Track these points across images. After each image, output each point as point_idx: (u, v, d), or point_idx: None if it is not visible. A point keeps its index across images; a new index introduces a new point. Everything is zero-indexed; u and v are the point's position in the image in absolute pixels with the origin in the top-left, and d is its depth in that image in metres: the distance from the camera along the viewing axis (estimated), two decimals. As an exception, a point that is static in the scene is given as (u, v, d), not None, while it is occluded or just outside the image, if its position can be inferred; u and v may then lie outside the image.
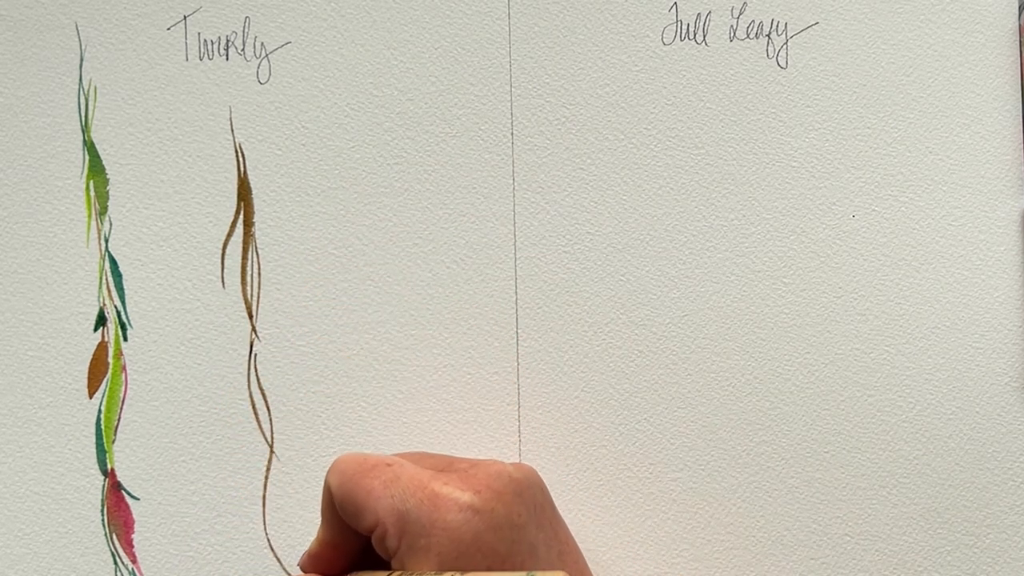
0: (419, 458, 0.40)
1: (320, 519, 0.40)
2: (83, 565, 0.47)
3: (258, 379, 0.47)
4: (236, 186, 0.47)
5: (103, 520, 0.47)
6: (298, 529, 0.46)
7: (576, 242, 0.46)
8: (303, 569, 0.41)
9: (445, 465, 0.39)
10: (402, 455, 0.41)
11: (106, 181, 0.47)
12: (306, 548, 0.46)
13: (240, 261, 0.47)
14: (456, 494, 0.37)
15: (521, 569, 0.36)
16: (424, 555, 0.36)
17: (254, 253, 0.47)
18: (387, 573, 0.37)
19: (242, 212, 0.47)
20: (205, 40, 0.47)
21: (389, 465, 0.38)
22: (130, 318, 0.47)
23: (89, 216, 0.47)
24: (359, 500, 0.37)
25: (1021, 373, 0.45)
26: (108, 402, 0.47)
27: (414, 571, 0.36)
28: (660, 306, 0.46)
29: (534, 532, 0.38)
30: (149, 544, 0.47)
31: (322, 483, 0.46)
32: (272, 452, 0.47)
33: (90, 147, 0.48)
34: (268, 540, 0.47)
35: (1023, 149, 0.46)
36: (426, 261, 0.47)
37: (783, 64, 0.46)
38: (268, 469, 0.47)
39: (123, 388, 0.47)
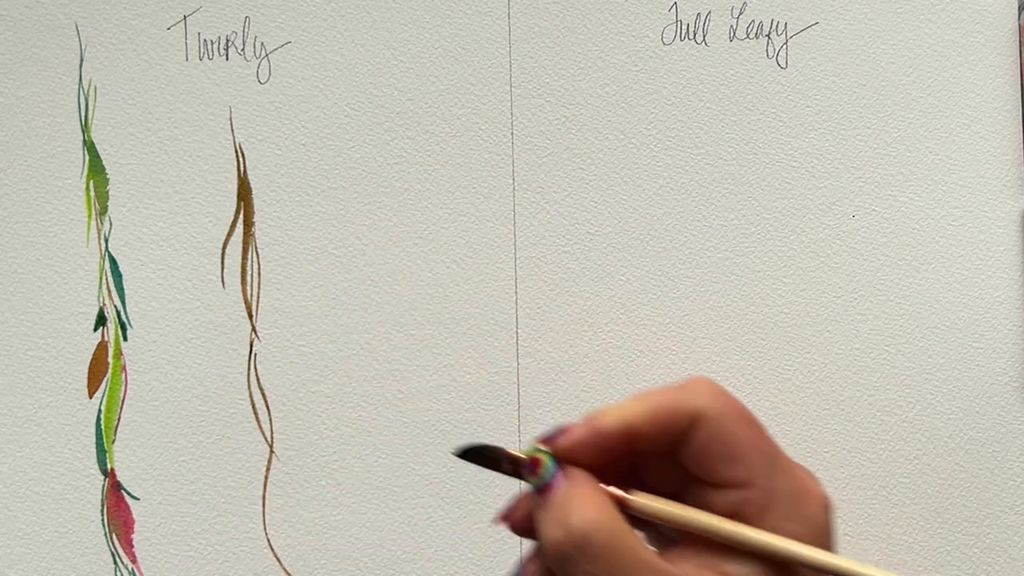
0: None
1: (636, 405, 0.34)
2: (83, 565, 0.47)
3: (258, 379, 0.47)
4: (236, 186, 0.47)
5: (103, 520, 0.47)
6: (298, 529, 0.46)
7: (576, 242, 0.46)
8: (571, 448, 0.34)
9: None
10: None
11: (106, 181, 0.47)
12: (305, 548, 0.46)
13: (240, 261, 0.47)
14: (821, 490, 0.34)
15: None
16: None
17: (254, 253, 0.47)
18: (735, 525, 0.33)
19: (242, 212, 0.47)
20: (205, 40, 0.47)
21: (769, 437, 0.35)
22: (130, 318, 0.47)
23: (89, 216, 0.47)
24: (739, 448, 0.34)
25: (1021, 373, 0.45)
26: (108, 402, 0.47)
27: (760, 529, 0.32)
28: (660, 306, 0.46)
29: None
30: (149, 544, 0.47)
31: (323, 482, 0.46)
32: (272, 452, 0.47)
33: (90, 147, 0.48)
34: (268, 540, 0.47)
35: (1023, 149, 0.46)
36: (426, 261, 0.47)
37: (783, 64, 0.46)
38: (268, 469, 0.47)
39: (123, 388, 0.47)
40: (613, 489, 0.34)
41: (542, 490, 0.34)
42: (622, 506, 0.33)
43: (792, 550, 0.32)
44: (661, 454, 0.34)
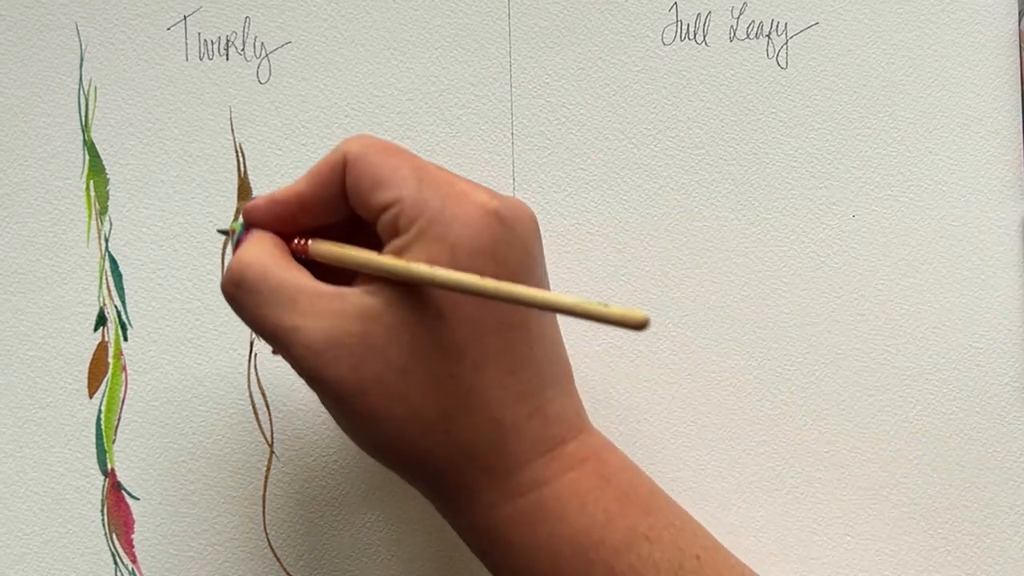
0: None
1: (304, 177, 0.38)
2: (83, 565, 0.47)
3: (258, 379, 0.47)
4: (236, 186, 0.47)
5: (103, 520, 0.47)
6: (298, 529, 0.46)
7: (576, 242, 0.46)
8: (253, 210, 0.39)
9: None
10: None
11: (106, 181, 0.47)
12: (306, 546, 0.46)
13: (240, 261, 0.47)
14: (484, 198, 0.36)
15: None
16: (437, 244, 0.35)
17: (254, 253, 0.47)
18: (371, 253, 0.36)
19: (242, 212, 0.47)
20: (205, 40, 0.47)
21: (415, 156, 0.37)
22: (130, 318, 0.47)
23: (89, 216, 0.47)
24: (382, 173, 0.36)
25: (1021, 373, 0.45)
26: (108, 402, 0.47)
27: (410, 260, 0.35)
28: (660, 306, 0.46)
29: (541, 272, 0.38)
30: (149, 544, 0.47)
31: (323, 482, 0.46)
32: (272, 452, 0.47)
33: (90, 147, 0.48)
34: (268, 540, 0.47)
35: (1023, 151, 0.46)
36: (426, 261, 0.47)
37: (783, 64, 0.46)
38: (268, 469, 0.47)
39: (123, 388, 0.47)
40: (298, 242, 0.39)
41: (235, 248, 0.39)
42: (305, 255, 0.38)
43: (415, 271, 0.35)
44: (339, 216, 0.38)
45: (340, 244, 0.38)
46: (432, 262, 0.35)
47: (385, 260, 0.35)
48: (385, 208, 0.36)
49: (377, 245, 0.37)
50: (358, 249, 0.37)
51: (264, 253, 0.38)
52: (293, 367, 0.37)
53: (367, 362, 0.35)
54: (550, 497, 0.36)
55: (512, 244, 0.36)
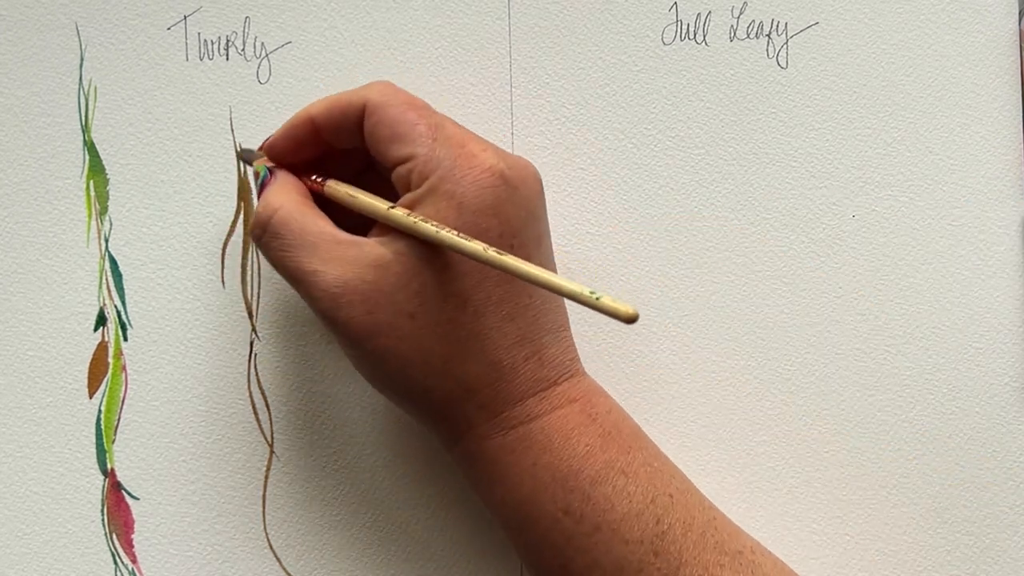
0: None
1: (321, 102, 0.42)
2: (83, 565, 0.47)
3: (258, 379, 0.47)
4: (236, 186, 0.47)
5: (103, 520, 0.47)
6: (298, 529, 0.46)
7: (576, 242, 0.46)
8: (271, 146, 0.43)
9: (484, 140, 0.41)
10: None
11: (106, 181, 0.47)
12: (306, 546, 0.46)
13: (240, 261, 0.47)
14: (492, 160, 0.39)
15: (527, 252, 0.39)
16: (445, 200, 0.38)
17: (254, 253, 0.47)
18: (385, 203, 0.39)
19: (242, 212, 0.47)
20: (205, 40, 0.47)
21: (435, 113, 0.40)
22: (130, 318, 0.47)
23: (89, 216, 0.47)
24: (400, 128, 0.39)
25: (1021, 373, 0.45)
26: (108, 402, 0.47)
27: (420, 213, 0.38)
28: (660, 306, 0.46)
29: (543, 228, 0.41)
30: (149, 544, 0.47)
31: (323, 482, 0.46)
32: (272, 452, 0.47)
33: (90, 147, 0.48)
34: (268, 540, 0.47)
35: (1023, 151, 0.46)
36: (426, 261, 0.47)
37: (783, 64, 0.46)
38: (268, 469, 0.47)
39: (123, 388, 0.47)
40: (315, 179, 0.42)
41: (260, 190, 0.43)
42: (318, 193, 0.42)
43: (422, 228, 0.37)
44: (353, 146, 0.41)
45: (354, 189, 0.41)
46: (440, 217, 0.38)
47: (395, 214, 0.38)
48: (401, 162, 0.39)
49: (389, 183, 0.40)
50: (371, 197, 0.40)
51: (289, 199, 0.41)
52: (311, 307, 0.40)
53: (379, 307, 0.38)
54: (537, 430, 0.39)
55: (515, 202, 0.39)
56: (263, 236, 0.41)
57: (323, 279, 0.39)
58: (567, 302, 0.41)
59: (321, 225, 0.40)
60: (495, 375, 0.39)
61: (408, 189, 0.39)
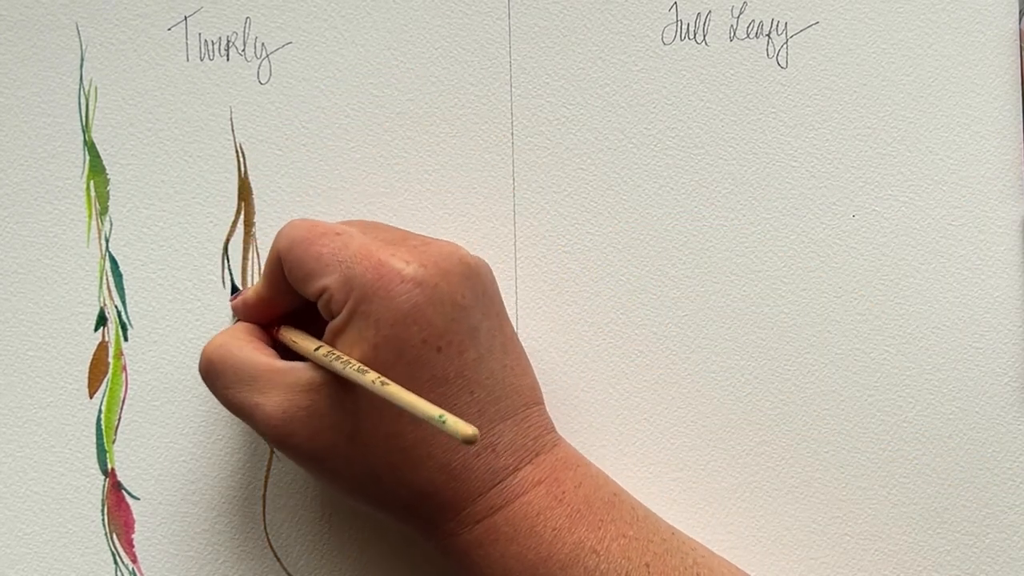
0: (373, 228, 0.42)
1: (262, 275, 0.43)
2: (83, 565, 0.47)
3: (258, 379, 0.47)
4: (236, 186, 0.47)
5: (103, 520, 0.47)
6: (298, 529, 0.46)
7: (576, 242, 0.46)
8: (235, 310, 0.45)
9: (399, 239, 0.40)
10: (353, 223, 0.43)
11: (106, 181, 0.48)
12: (306, 546, 0.46)
13: (241, 261, 0.47)
14: (400, 265, 0.38)
15: (460, 348, 0.38)
16: (363, 320, 0.38)
17: (255, 253, 0.47)
18: (315, 343, 0.40)
19: (243, 212, 0.47)
20: (206, 40, 0.47)
21: (338, 234, 0.40)
22: (130, 318, 0.47)
23: (89, 216, 0.47)
24: (308, 266, 0.40)
25: (1021, 373, 0.45)
26: (108, 402, 0.47)
27: (341, 352, 0.38)
28: (660, 306, 0.46)
29: (478, 317, 0.39)
30: (149, 544, 0.47)
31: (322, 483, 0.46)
32: (272, 452, 0.47)
33: (90, 147, 0.48)
34: (268, 540, 0.47)
35: (1023, 151, 0.46)
36: (426, 261, 0.47)
37: (783, 64, 0.46)
38: (268, 469, 0.47)
39: (123, 388, 0.47)
40: (275, 328, 0.43)
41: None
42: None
43: (334, 366, 0.38)
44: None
45: (298, 332, 0.42)
46: (363, 338, 0.38)
47: (318, 355, 0.39)
48: (317, 296, 0.40)
49: None
50: (306, 337, 0.41)
51: (229, 337, 0.42)
52: (263, 439, 0.41)
53: (319, 432, 0.39)
54: (502, 521, 0.38)
55: (436, 301, 0.38)
56: (206, 376, 0.41)
57: (263, 411, 0.39)
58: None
59: (257, 356, 0.40)
60: (446, 477, 0.38)
61: (335, 317, 0.39)
